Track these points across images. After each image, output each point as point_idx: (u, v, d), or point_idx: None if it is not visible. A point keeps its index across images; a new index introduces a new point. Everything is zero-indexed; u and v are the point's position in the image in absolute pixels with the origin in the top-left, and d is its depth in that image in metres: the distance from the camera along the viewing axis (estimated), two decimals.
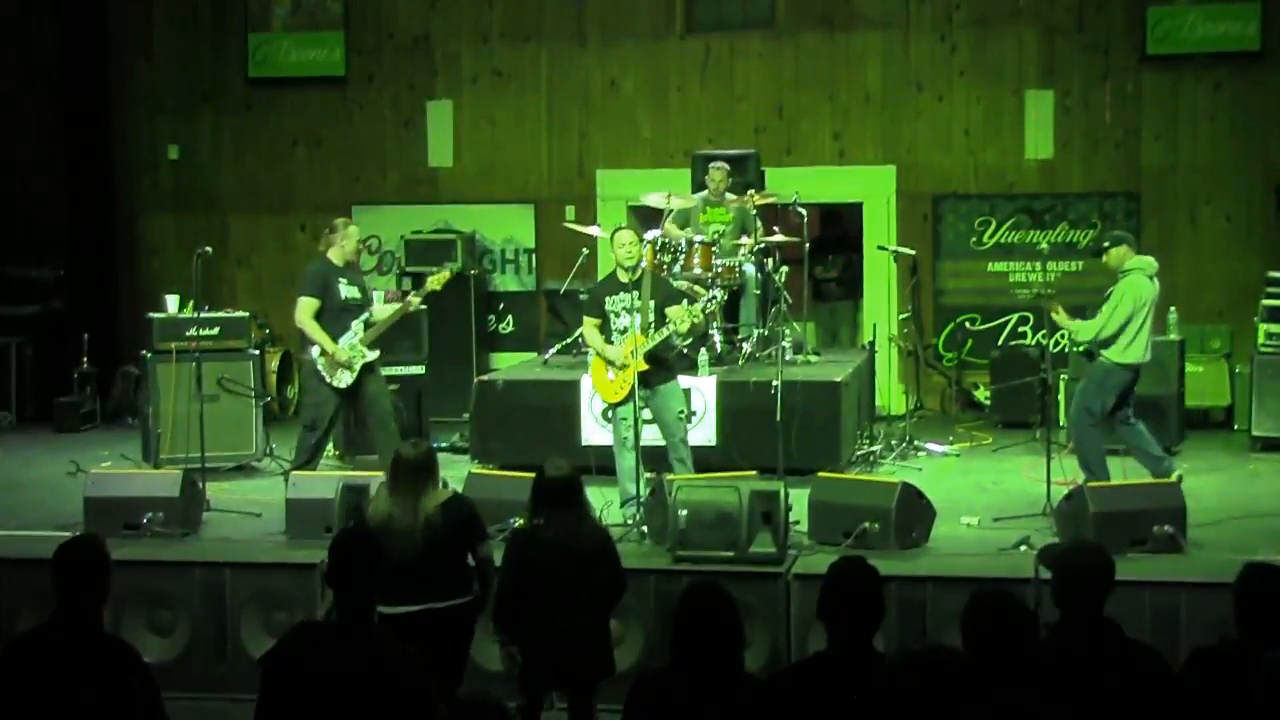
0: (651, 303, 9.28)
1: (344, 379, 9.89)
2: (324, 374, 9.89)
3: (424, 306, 10.86)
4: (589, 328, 9.48)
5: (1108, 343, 9.34)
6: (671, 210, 11.62)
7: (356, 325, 9.98)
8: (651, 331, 9.23)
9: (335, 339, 9.86)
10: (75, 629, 4.90)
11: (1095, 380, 9.47)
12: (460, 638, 6.49)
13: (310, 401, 10.16)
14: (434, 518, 6.41)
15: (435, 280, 10.31)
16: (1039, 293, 9.81)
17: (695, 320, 9.44)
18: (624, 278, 9.28)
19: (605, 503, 9.14)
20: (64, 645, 4.85)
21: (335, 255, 10.06)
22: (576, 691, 6.48)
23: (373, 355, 10.01)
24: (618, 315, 9.30)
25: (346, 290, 10.02)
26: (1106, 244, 9.64)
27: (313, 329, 9.89)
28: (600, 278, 11.07)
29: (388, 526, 6.31)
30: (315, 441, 10.05)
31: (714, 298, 10.16)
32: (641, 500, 8.98)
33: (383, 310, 10.31)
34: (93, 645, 4.89)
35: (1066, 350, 9.68)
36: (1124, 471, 9.67)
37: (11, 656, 4.95)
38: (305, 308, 9.92)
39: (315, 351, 9.92)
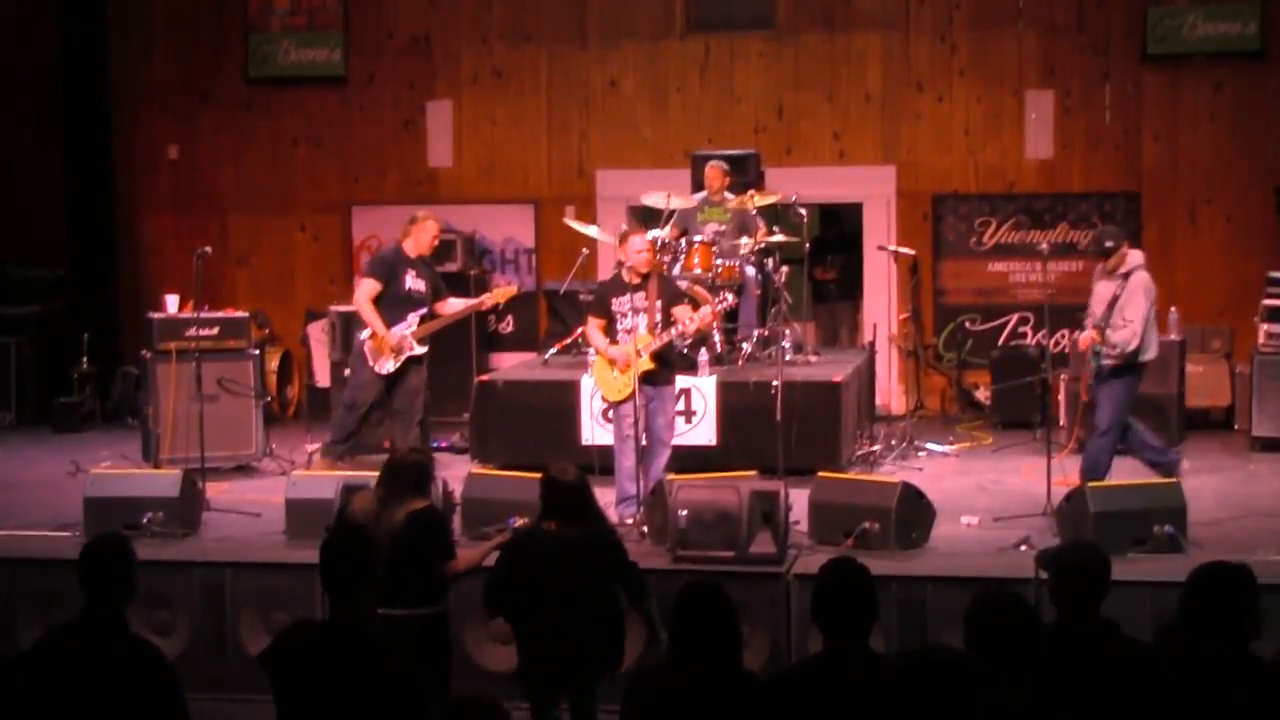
0: (659, 303, 9.28)
1: (387, 366, 10.06)
2: (369, 356, 10.00)
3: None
4: (593, 327, 9.47)
5: (1142, 347, 9.10)
6: (674, 212, 11.59)
7: (413, 318, 10.09)
8: (659, 331, 9.24)
9: (389, 327, 9.95)
10: (101, 629, 4.91)
11: (1131, 387, 9.21)
12: (429, 649, 6.30)
13: (353, 382, 10.29)
14: (398, 525, 6.38)
15: (500, 293, 10.44)
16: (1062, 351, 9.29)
17: (702, 322, 9.43)
18: (630, 279, 9.28)
19: (604, 503, 9.14)
20: (90, 645, 4.86)
21: (408, 246, 10.22)
22: (576, 692, 6.47)
23: (420, 350, 10.11)
24: (624, 316, 9.31)
25: (412, 282, 10.14)
26: (1110, 244, 9.21)
27: (368, 311, 10.07)
28: (600, 278, 11.05)
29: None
30: (353, 422, 10.20)
31: (725, 300, 10.11)
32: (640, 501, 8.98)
33: (450, 307, 10.35)
34: (118, 646, 4.90)
35: (1094, 354, 9.18)
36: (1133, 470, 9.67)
37: (38, 655, 4.96)
38: (365, 289, 10.14)
39: (365, 333, 10.03)
